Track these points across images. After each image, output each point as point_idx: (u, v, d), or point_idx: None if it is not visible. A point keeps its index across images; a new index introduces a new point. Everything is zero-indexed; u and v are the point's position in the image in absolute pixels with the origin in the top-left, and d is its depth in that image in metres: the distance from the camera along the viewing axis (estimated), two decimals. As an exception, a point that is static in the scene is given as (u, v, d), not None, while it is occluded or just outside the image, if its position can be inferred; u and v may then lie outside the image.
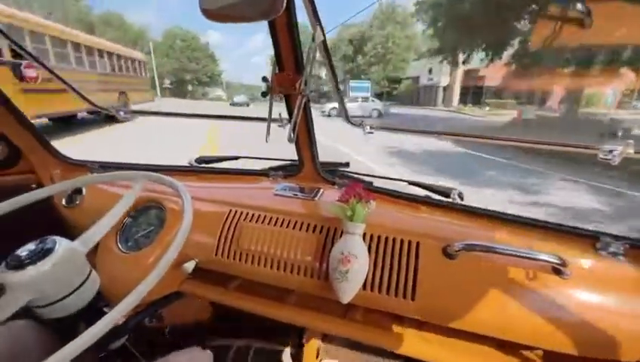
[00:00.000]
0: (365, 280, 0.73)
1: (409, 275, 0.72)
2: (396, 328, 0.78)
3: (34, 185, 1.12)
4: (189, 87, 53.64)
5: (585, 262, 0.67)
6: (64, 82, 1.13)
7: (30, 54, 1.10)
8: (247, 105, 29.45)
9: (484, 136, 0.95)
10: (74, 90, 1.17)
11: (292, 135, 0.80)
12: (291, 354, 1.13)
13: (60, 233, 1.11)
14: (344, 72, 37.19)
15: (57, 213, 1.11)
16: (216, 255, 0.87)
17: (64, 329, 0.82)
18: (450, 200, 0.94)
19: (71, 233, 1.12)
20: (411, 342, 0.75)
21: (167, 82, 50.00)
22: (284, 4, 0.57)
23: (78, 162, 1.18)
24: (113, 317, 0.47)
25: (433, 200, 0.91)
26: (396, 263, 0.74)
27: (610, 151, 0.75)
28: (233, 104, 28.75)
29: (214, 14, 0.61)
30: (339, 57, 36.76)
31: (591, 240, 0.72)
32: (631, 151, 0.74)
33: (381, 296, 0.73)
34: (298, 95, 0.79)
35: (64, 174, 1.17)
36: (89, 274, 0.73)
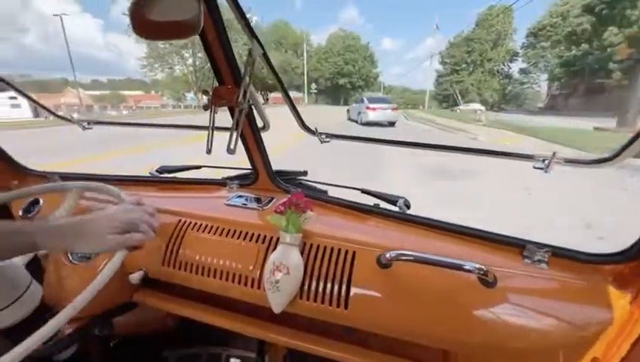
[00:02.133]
0: (302, 290, 0.74)
1: (343, 284, 0.73)
2: (333, 335, 0.80)
3: None
4: (345, 92, 53.75)
5: (510, 270, 0.69)
6: (33, 101, 1.16)
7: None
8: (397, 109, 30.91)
9: (445, 146, 0.97)
10: (38, 103, 1.20)
11: (231, 146, 0.81)
12: (256, 361, 1.14)
13: None
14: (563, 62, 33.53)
15: None
16: (163, 264, 0.88)
17: (13, 337, 0.83)
18: (396, 208, 0.96)
19: None
20: (346, 349, 0.76)
21: (313, 87, 51.40)
22: (201, 24, 0.59)
23: (38, 173, 1.19)
24: (54, 325, 0.47)
25: (379, 210, 0.93)
26: (332, 272, 0.75)
27: (543, 160, 0.77)
28: None
29: (146, 32, 0.63)
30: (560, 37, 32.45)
31: (518, 248, 0.73)
32: (560, 160, 0.76)
33: (316, 305, 0.74)
34: (236, 108, 0.80)
35: (24, 184, 1.18)
36: (28, 286, 0.74)
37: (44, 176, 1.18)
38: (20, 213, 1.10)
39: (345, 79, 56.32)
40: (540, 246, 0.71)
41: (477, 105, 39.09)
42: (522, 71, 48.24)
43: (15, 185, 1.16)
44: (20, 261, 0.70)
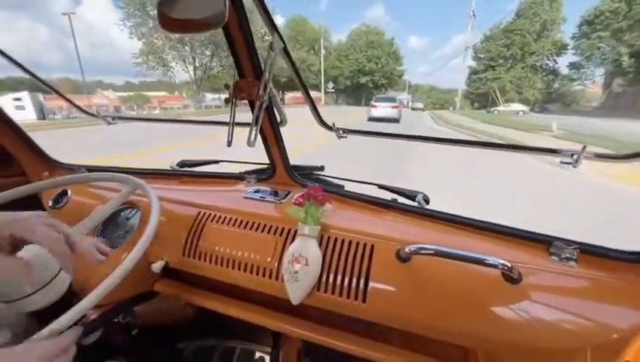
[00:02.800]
0: (319, 282, 0.74)
1: (361, 277, 0.72)
2: (350, 329, 0.79)
3: None
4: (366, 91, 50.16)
5: (536, 267, 0.66)
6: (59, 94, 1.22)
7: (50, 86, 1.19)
8: (423, 110, 28.76)
9: (462, 141, 0.95)
10: (66, 99, 1.26)
11: (251, 138, 0.82)
12: (271, 355, 1.15)
13: None
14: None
15: None
16: (183, 255, 0.90)
17: (40, 317, 0.87)
18: (415, 203, 0.94)
19: None
20: (362, 343, 0.75)
21: (330, 86, 48.83)
22: (226, 15, 0.60)
23: (66, 165, 1.25)
24: (79, 309, 0.51)
25: (397, 204, 0.91)
26: (350, 265, 0.74)
27: (572, 155, 0.75)
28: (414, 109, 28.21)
29: (170, 25, 0.65)
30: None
31: (545, 245, 0.71)
32: (590, 155, 0.73)
33: (334, 298, 0.74)
34: (257, 101, 0.81)
35: (52, 176, 1.23)
36: (58, 272, 0.77)
37: (71, 169, 1.23)
38: (50, 203, 1.15)
39: (367, 77, 52.06)
40: (569, 243, 0.68)
41: (519, 106, 34.43)
42: (572, 65, 41.10)
43: (45, 176, 1.21)
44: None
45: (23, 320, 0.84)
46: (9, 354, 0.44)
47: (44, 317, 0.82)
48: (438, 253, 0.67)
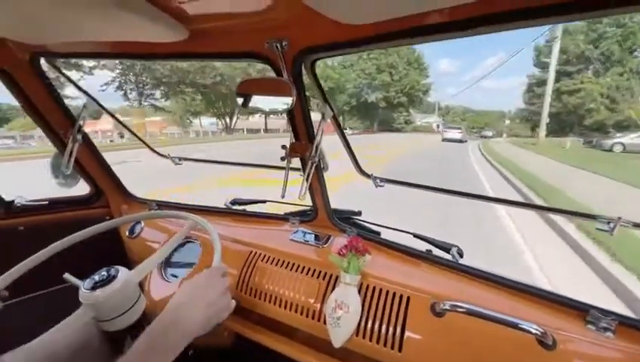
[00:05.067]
0: (358, 328, 0.82)
1: (397, 327, 0.79)
2: None
3: (108, 218, 1.42)
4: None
5: (572, 335, 0.69)
6: (128, 129, 1.48)
7: (102, 106, 1.43)
8: (462, 142, 23.97)
9: (501, 200, 1.01)
10: (135, 135, 1.51)
11: (302, 193, 0.96)
12: None
13: (123, 258, 1.38)
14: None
15: (122, 242, 1.39)
16: (236, 288, 1.03)
17: (115, 340, 1.02)
18: (449, 256, 1.00)
19: (132, 259, 1.38)
20: None
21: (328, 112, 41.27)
22: (294, 101, 0.76)
23: (140, 199, 1.47)
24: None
25: (432, 257, 0.97)
26: (387, 314, 0.81)
27: (608, 223, 0.77)
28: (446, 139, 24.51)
29: (250, 108, 0.83)
30: None
31: (581, 312, 0.73)
32: (628, 224, 0.75)
33: (372, 345, 0.80)
34: (309, 161, 0.95)
35: (130, 210, 1.46)
36: (138, 298, 0.93)
37: (145, 203, 1.45)
38: (127, 233, 1.36)
39: (377, 94, 37.87)
40: (606, 313, 0.70)
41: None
42: None
43: (125, 210, 1.44)
44: (135, 278, 0.89)
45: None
46: None
47: (114, 338, 0.98)
48: (472, 313, 0.72)
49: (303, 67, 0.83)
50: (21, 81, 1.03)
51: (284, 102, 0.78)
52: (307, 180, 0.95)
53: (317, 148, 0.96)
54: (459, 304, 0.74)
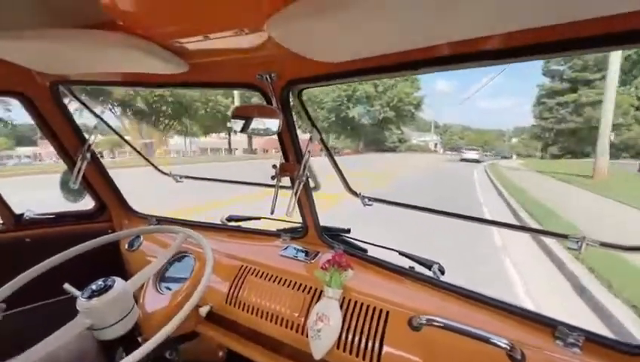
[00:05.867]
0: (339, 341, 0.85)
1: (376, 341, 0.82)
2: None
3: (110, 231, 1.49)
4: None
5: (540, 349, 0.71)
6: (134, 149, 1.57)
7: (112, 128, 1.53)
8: (478, 162, 23.69)
9: (478, 219, 1.06)
10: (138, 152, 1.61)
11: (289, 210, 1.02)
12: None
13: (122, 271, 1.43)
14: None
15: (121, 255, 1.45)
16: (226, 302, 1.07)
17: (107, 348, 1.06)
18: (430, 273, 1.03)
19: (130, 272, 1.43)
20: None
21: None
22: (280, 126, 0.84)
23: (140, 214, 1.54)
24: (145, 349, 0.64)
25: (414, 273, 1.01)
26: (367, 328, 0.85)
27: (577, 241, 0.82)
28: (464, 160, 25.11)
29: (242, 129, 0.91)
30: None
31: (550, 328, 0.76)
32: (595, 244, 0.80)
33: (351, 358, 0.83)
34: (296, 180, 1.02)
35: (130, 224, 1.53)
36: (132, 308, 0.97)
37: (145, 218, 1.52)
38: (127, 246, 1.42)
39: (359, 108, 33.16)
40: (573, 329, 0.73)
41: None
42: None
43: (126, 224, 1.51)
44: (130, 288, 0.94)
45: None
46: None
47: (108, 347, 1.01)
48: (447, 327, 0.76)
49: (290, 95, 0.92)
50: (40, 106, 1.15)
51: (271, 127, 0.87)
52: (295, 197, 1.02)
53: (304, 167, 1.03)
54: (435, 318, 0.78)
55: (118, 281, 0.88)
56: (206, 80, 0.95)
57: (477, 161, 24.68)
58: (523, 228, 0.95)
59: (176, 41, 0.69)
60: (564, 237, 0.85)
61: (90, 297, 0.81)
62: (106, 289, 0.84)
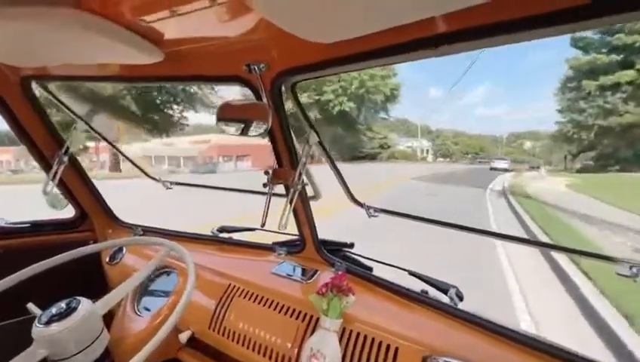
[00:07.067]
0: None
1: None
2: None
3: (91, 242, 1.37)
4: None
5: None
6: (122, 153, 1.46)
7: (94, 129, 1.40)
8: (507, 170, 23.44)
9: (513, 237, 0.92)
10: (129, 160, 1.49)
11: (282, 222, 0.88)
12: None
13: (103, 286, 1.29)
14: None
15: (103, 269, 1.32)
16: (209, 328, 0.93)
17: None
18: (447, 298, 0.88)
19: (111, 287, 1.30)
20: None
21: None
22: (270, 125, 0.71)
23: (126, 224, 1.42)
24: None
25: (427, 299, 0.86)
26: None
27: (631, 268, 0.67)
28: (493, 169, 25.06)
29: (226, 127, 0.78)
30: None
31: None
32: None
33: None
34: (291, 188, 0.88)
35: (114, 234, 1.41)
36: (100, 333, 0.84)
37: (130, 228, 1.40)
38: (107, 259, 1.30)
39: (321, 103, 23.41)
40: None
41: None
42: None
43: (109, 234, 1.39)
44: (99, 311, 0.81)
45: None
46: None
47: None
48: None
49: (283, 90, 0.79)
50: (11, 103, 1.04)
51: (260, 127, 0.74)
52: (289, 207, 0.88)
53: (300, 174, 0.89)
54: (454, 361, 0.63)
55: (84, 302, 0.75)
56: (184, 72, 0.83)
57: (505, 170, 25.16)
58: (574, 251, 0.80)
59: (140, 19, 0.57)
60: (613, 260, 0.70)
61: (48, 322, 0.68)
62: (68, 312, 0.71)
